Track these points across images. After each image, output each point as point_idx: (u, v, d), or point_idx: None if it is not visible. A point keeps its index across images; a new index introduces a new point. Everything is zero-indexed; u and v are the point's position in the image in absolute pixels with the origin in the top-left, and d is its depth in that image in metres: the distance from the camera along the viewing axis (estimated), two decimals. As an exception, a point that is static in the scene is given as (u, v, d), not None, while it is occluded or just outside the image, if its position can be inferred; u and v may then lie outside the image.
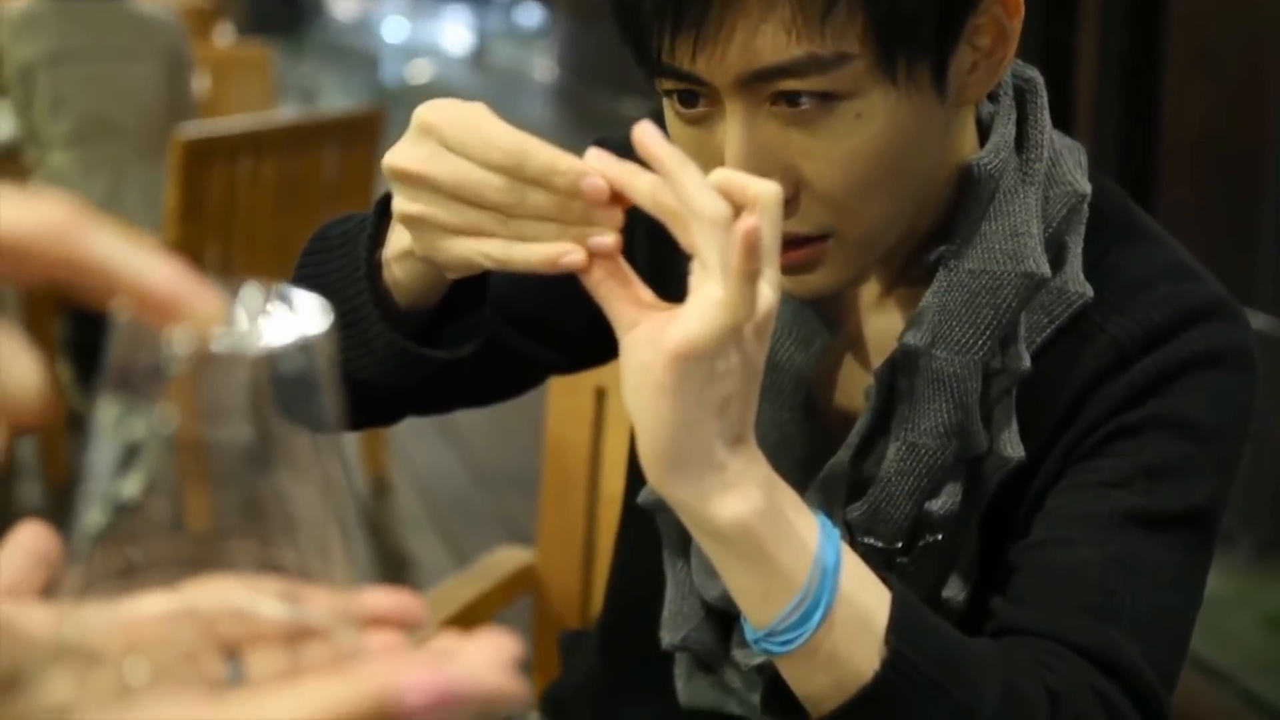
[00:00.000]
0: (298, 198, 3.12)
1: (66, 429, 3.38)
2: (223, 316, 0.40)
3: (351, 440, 3.64)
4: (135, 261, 0.40)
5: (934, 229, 0.87)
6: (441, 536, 3.29)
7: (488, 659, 0.43)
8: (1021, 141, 0.87)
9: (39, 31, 3.39)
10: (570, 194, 0.69)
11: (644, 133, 0.67)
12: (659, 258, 0.95)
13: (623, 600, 1.11)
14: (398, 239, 0.81)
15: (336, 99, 10.04)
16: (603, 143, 0.83)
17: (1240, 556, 2.82)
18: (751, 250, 0.64)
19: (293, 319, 0.41)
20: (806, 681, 0.75)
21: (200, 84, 4.07)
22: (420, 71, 13.73)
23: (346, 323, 0.84)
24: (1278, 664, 2.58)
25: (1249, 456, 0.88)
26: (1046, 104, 0.89)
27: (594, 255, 0.69)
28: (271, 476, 0.42)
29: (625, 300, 0.70)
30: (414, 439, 3.83)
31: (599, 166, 0.69)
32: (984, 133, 0.88)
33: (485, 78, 13.79)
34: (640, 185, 0.68)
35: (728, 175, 0.68)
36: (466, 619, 1.31)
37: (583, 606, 1.36)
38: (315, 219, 3.28)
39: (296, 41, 13.71)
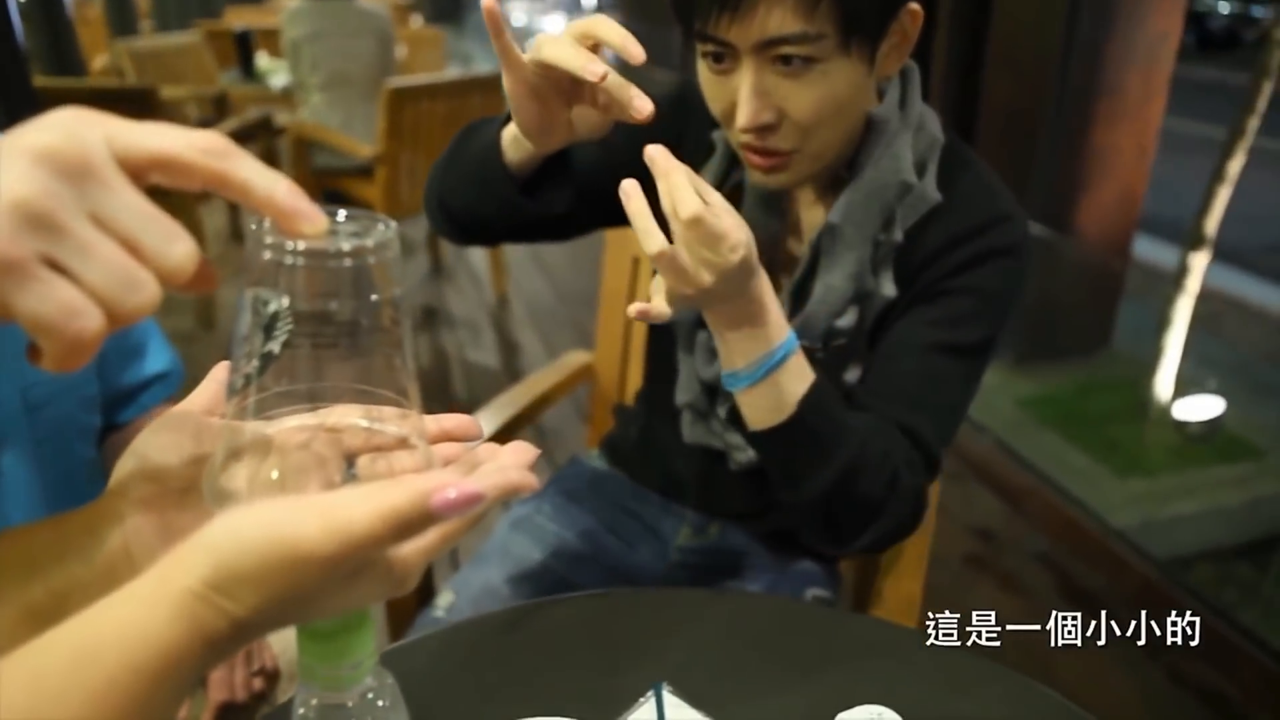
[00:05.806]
0: (456, 127, 2.98)
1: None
2: (324, 228, 0.34)
3: (484, 271, 3.60)
4: (265, 181, 0.33)
5: (844, 158, 0.81)
6: (537, 332, 3.21)
7: (512, 460, 0.39)
8: (903, 103, 0.81)
9: (302, 20, 3.21)
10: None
11: (651, 152, 0.66)
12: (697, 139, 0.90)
13: (654, 381, 1.06)
14: (510, 128, 0.79)
15: (483, 64, 9.63)
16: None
17: (1005, 362, 2.79)
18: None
19: (368, 231, 0.35)
20: (751, 408, 0.75)
21: (400, 53, 3.89)
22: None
23: (480, 179, 0.83)
24: (1018, 424, 2.58)
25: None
26: (919, 83, 0.82)
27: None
28: (362, 336, 0.36)
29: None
30: (523, 272, 3.74)
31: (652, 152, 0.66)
32: (880, 97, 0.81)
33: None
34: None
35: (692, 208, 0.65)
36: (550, 396, 1.27)
37: (620, 388, 1.30)
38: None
39: (460, 26, 13.13)
